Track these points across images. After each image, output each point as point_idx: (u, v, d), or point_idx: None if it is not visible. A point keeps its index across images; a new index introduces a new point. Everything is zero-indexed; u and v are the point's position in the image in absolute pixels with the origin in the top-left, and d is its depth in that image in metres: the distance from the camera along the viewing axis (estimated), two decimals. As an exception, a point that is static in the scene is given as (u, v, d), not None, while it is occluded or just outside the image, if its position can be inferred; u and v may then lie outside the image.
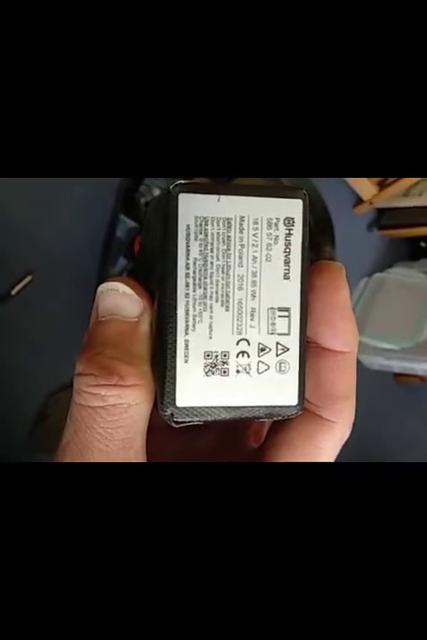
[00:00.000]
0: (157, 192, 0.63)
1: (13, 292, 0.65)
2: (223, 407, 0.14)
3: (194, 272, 0.13)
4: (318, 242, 0.66)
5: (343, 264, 0.14)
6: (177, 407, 0.13)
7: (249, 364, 0.14)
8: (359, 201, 0.77)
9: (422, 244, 0.81)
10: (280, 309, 0.14)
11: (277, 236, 0.13)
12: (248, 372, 0.14)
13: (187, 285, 0.13)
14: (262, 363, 0.14)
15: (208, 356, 0.13)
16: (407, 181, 0.71)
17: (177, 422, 0.14)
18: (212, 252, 0.13)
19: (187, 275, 0.13)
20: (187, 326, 0.13)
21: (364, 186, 0.73)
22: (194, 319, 0.13)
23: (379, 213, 0.80)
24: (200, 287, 0.13)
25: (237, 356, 0.14)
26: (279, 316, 0.14)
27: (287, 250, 0.13)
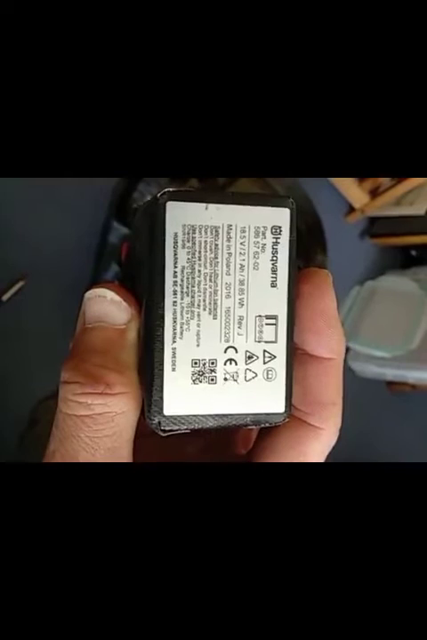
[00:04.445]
0: (150, 199, 0.63)
1: (5, 298, 0.64)
2: (211, 415, 0.14)
3: (182, 280, 0.13)
4: (310, 249, 0.66)
5: (335, 272, 0.14)
6: (164, 415, 0.13)
7: (237, 372, 0.14)
8: (351, 209, 0.77)
9: (414, 253, 0.82)
10: (268, 317, 0.14)
11: (265, 245, 0.13)
12: (236, 380, 0.14)
13: (174, 293, 0.13)
14: (250, 370, 0.14)
15: (196, 363, 0.13)
16: (399, 190, 0.72)
17: (164, 431, 0.14)
18: (199, 260, 0.13)
19: (174, 283, 0.13)
20: (174, 334, 0.13)
21: (355, 194, 0.74)
22: (181, 327, 0.13)
23: (371, 222, 0.81)
24: (188, 295, 0.13)
25: (225, 364, 0.14)
26: (267, 324, 0.14)
27: (275, 258, 0.14)
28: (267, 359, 0.14)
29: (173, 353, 0.13)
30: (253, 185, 0.62)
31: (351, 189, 0.74)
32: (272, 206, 0.13)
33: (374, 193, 0.74)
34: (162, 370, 0.13)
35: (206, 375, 0.13)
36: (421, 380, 0.73)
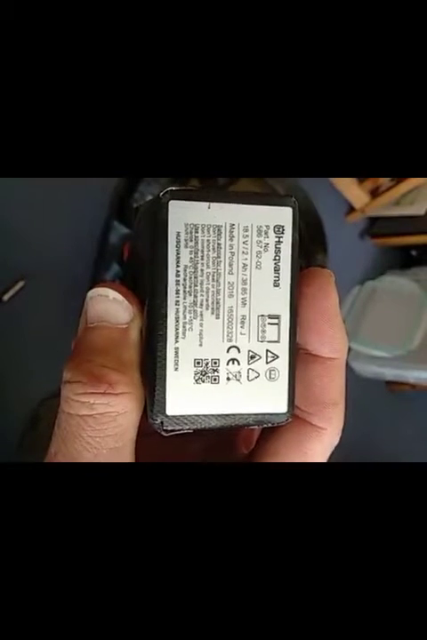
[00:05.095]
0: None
1: (5, 298, 0.64)
2: (213, 415, 0.14)
3: (184, 279, 0.13)
4: (310, 249, 0.66)
5: (335, 272, 0.14)
6: (167, 415, 0.13)
7: (239, 372, 0.14)
8: (351, 209, 0.77)
9: (414, 253, 0.82)
10: (270, 317, 0.14)
11: (268, 244, 0.13)
12: (238, 380, 0.14)
13: (177, 293, 0.13)
14: (252, 370, 0.14)
15: (198, 363, 0.13)
16: (399, 190, 0.72)
17: (167, 431, 0.13)
18: (202, 259, 0.13)
19: (177, 282, 0.13)
20: (177, 334, 0.13)
21: (356, 194, 0.74)
22: (184, 326, 0.13)
23: (371, 222, 0.81)
24: (190, 294, 0.13)
25: (228, 364, 0.14)
26: (269, 324, 0.14)
27: (277, 257, 0.14)
28: (269, 359, 0.14)
29: (176, 352, 0.13)
30: (252, 185, 0.62)
31: (351, 189, 0.74)
32: (275, 205, 0.13)
33: (375, 193, 0.74)
34: (164, 369, 0.13)
35: (209, 375, 0.13)
36: (421, 379, 0.73)
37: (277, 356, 0.14)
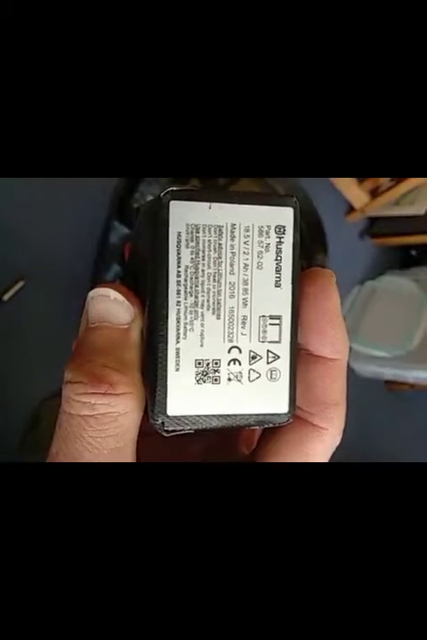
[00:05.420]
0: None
1: (6, 298, 0.64)
2: (214, 415, 0.14)
3: (185, 280, 0.13)
4: (311, 249, 0.66)
5: (335, 272, 0.14)
6: (168, 416, 0.13)
7: (240, 372, 0.14)
8: (351, 209, 0.77)
9: (413, 253, 0.82)
10: (271, 317, 0.14)
11: (269, 244, 0.13)
12: (239, 380, 0.14)
13: (178, 293, 0.13)
14: (253, 371, 0.14)
15: (199, 363, 0.13)
16: (399, 190, 0.72)
17: (168, 431, 0.13)
18: (203, 259, 0.13)
19: (178, 282, 0.13)
20: (178, 334, 0.13)
21: (356, 194, 0.74)
22: (185, 327, 0.13)
23: (371, 222, 0.81)
24: (191, 295, 0.13)
25: (229, 364, 0.14)
26: (270, 324, 0.14)
27: (278, 257, 0.14)
28: (271, 359, 0.14)
29: (177, 353, 0.13)
30: (253, 185, 0.62)
31: (351, 189, 0.74)
32: (276, 206, 0.13)
33: (374, 193, 0.74)
34: (165, 370, 0.13)
35: (210, 375, 0.13)
36: (420, 379, 0.73)
37: (279, 357, 0.14)
